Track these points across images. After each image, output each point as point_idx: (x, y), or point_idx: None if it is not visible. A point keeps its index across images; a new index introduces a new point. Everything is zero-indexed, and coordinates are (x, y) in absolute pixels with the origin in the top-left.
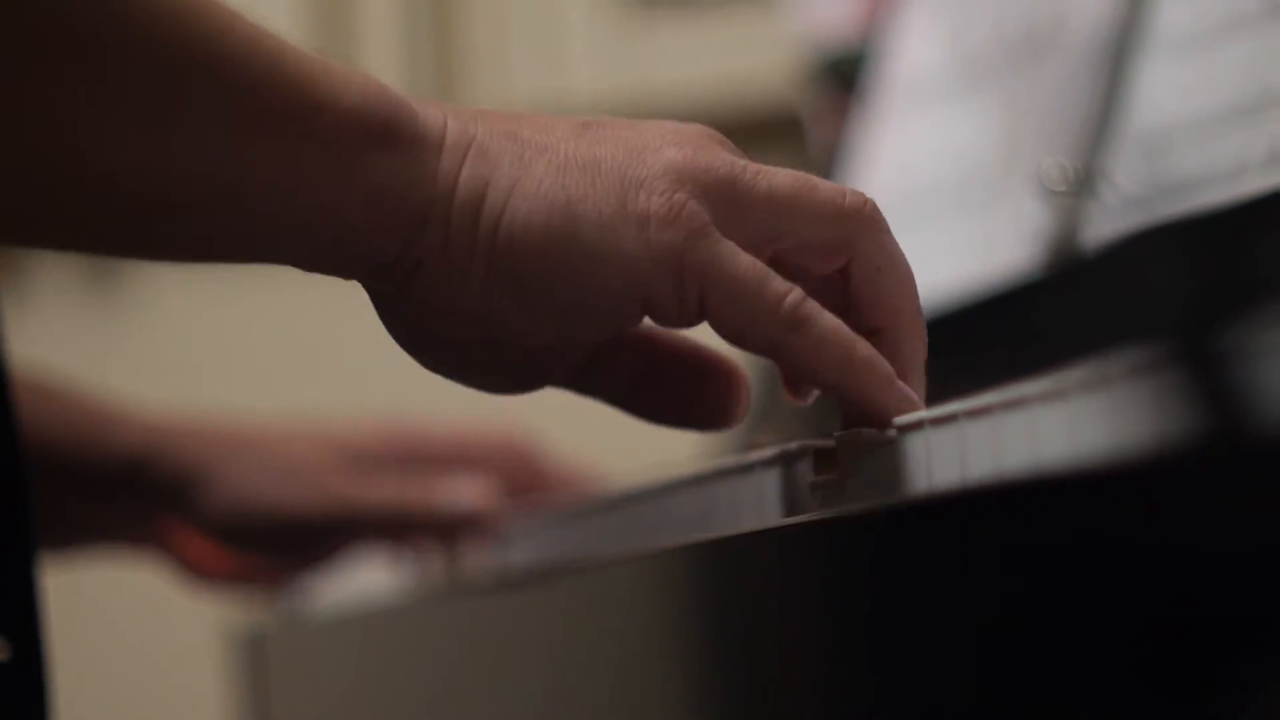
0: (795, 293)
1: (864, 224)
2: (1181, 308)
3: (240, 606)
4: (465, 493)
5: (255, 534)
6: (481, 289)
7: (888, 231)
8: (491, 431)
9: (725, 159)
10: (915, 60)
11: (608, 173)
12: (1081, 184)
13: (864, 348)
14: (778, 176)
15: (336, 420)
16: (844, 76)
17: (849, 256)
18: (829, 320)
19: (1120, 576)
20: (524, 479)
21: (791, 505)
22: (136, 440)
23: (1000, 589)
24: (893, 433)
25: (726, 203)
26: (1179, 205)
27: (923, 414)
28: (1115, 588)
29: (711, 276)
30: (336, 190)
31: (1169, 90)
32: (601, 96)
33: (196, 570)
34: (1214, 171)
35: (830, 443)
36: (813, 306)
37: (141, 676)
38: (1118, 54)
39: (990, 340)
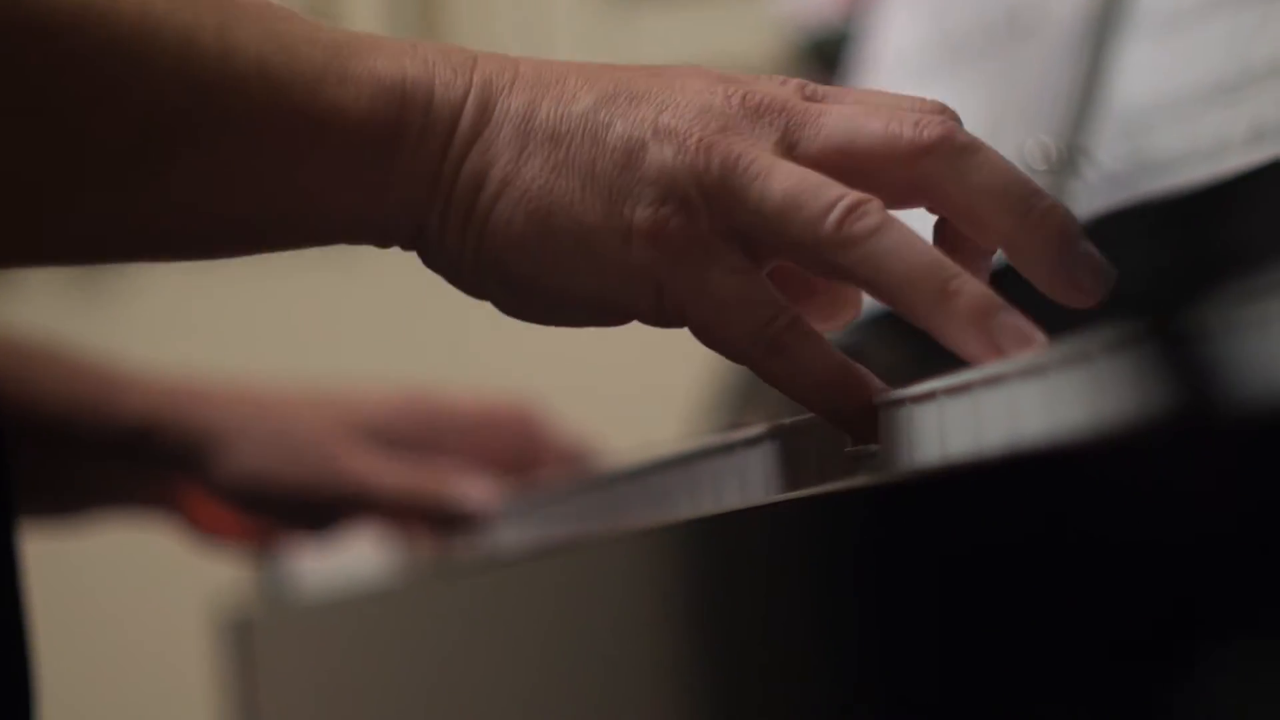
0: (781, 317)
1: (924, 169)
2: (1162, 284)
3: (245, 566)
4: (472, 492)
5: (267, 502)
6: (474, 275)
7: (958, 164)
8: (500, 402)
9: (735, 150)
10: (898, 40)
11: (601, 176)
12: (1064, 162)
13: (842, 374)
14: (775, 180)
15: (346, 388)
16: (827, 57)
17: (928, 201)
18: (811, 348)
19: (1099, 553)
20: (530, 449)
21: (813, 478)
22: (146, 404)
23: (999, 565)
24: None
25: (724, 208)
26: (1160, 183)
27: (904, 391)
28: (1094, 563)
29: (690, 297)
30: (341, 190)
31: (1150, 69)
32: None
33: (208, 531)
34: (1195, 149)
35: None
36: (796, 332)
37: (129, 660)
38: (1099, 32)
39: None
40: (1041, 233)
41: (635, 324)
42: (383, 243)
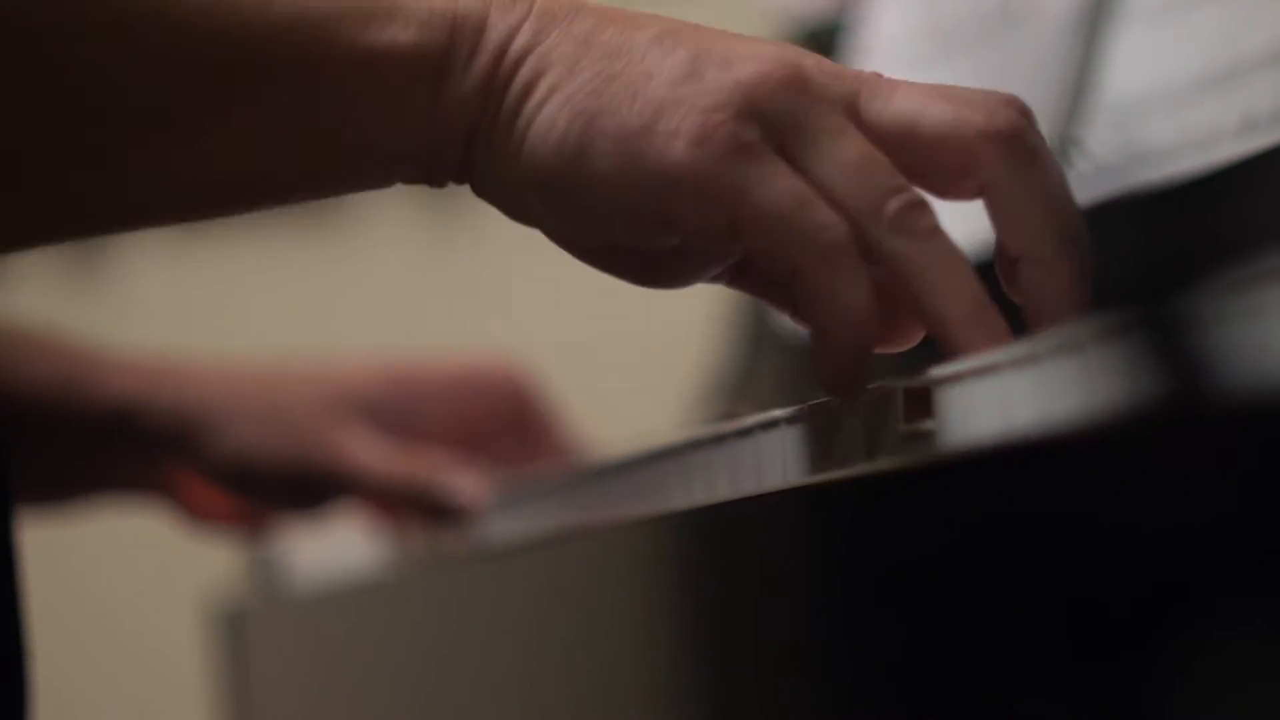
0: (834, 229)
1: (987, 158)
2: (1154, 274)
3: (236, 549)
4: (463, 485)
5: (258, 483)
6: (516, 188)
7: (1020, 164)
8: (486, 364)
9: (805, 96)
10: (890, 29)
11: (656, 88)
12: (1056, 152)
13: (871, 317)
14: (847, 142)
15: (334, 362)
16: (821, 46)
17: (979, 189)
18: (857, 279)
19: (1088, 542)
20: (517, 413)
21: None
22: (131, 385)
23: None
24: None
25: (785, 139)
26: (1152, 173)
27: (901, 381)
28: (1083, 553)
29: (740, 200)
30: (394, 126)
31: (1142, 59)
32: None
33: (198, 514)
34: (1187, 140)
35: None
36: (848, 253)
37: (121, 652)
38: (1091, 22)
39: None
40: (1058, 282)
41: (626, 314)
42: (437, 177)
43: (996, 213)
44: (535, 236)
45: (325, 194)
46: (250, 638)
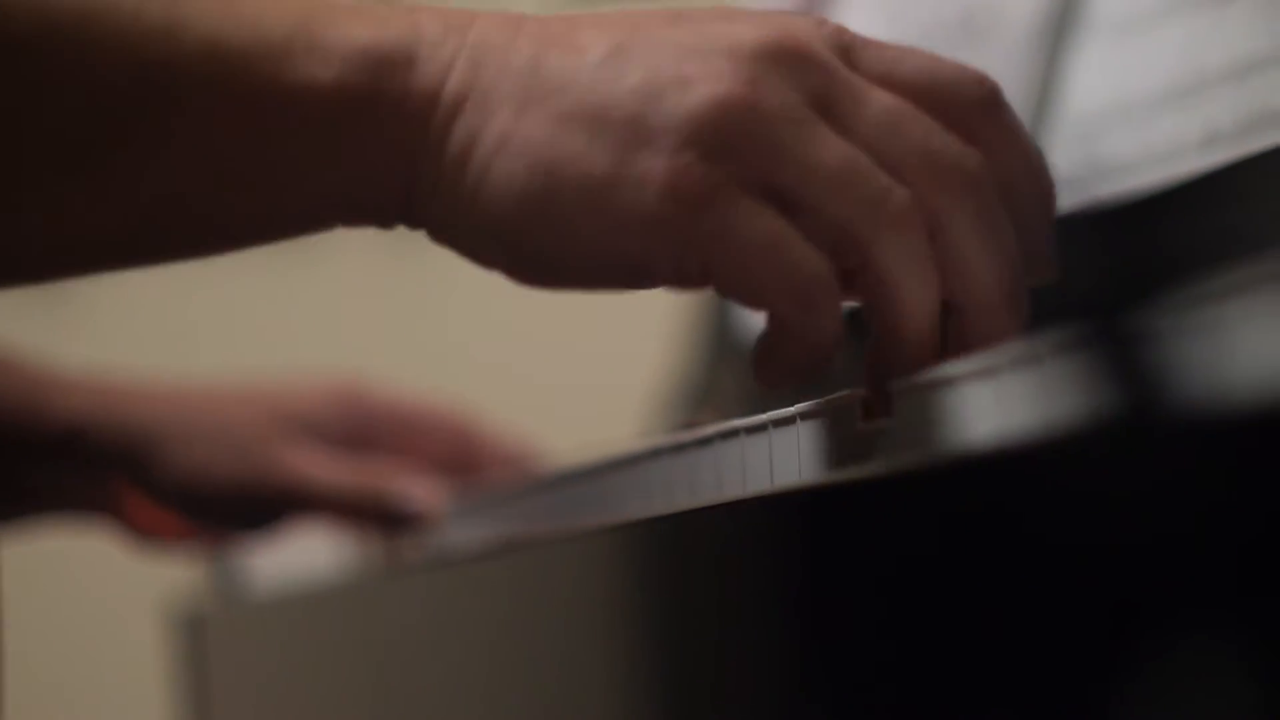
0: (810, 267)
1: (947, 196)
2: (1114, 288)
3: (187, 565)
4: (416, 492)
5: (207, 503)
6: (473, 242)
7: (982, 209)
8: (434, 407)
9: (772, 104)
10: None
11: (615, 125)
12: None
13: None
14: (826, 148)
15: (282, 382)
16: None
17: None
18: (837, 314)
19: (1044, 555)
20: (465, 455)
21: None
22: (78, 404)
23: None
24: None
25: (757, 162)
26: (1114, 187)
27: (861, 390)
28: (1039, 566)
29: (716, 250)
30: (319, 170)
31: (1104, 72)
32: None
33: (146, 533)
34: (1149, 154)
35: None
36: (828, 291)
37: (80, 656)
38: (1055, 36)
39: None
40: (1039, 218)
41: (588, 322)
42: (380, 221)
43: (1003, 172)
44: None
45: (249, 241)
46: (210, 642)
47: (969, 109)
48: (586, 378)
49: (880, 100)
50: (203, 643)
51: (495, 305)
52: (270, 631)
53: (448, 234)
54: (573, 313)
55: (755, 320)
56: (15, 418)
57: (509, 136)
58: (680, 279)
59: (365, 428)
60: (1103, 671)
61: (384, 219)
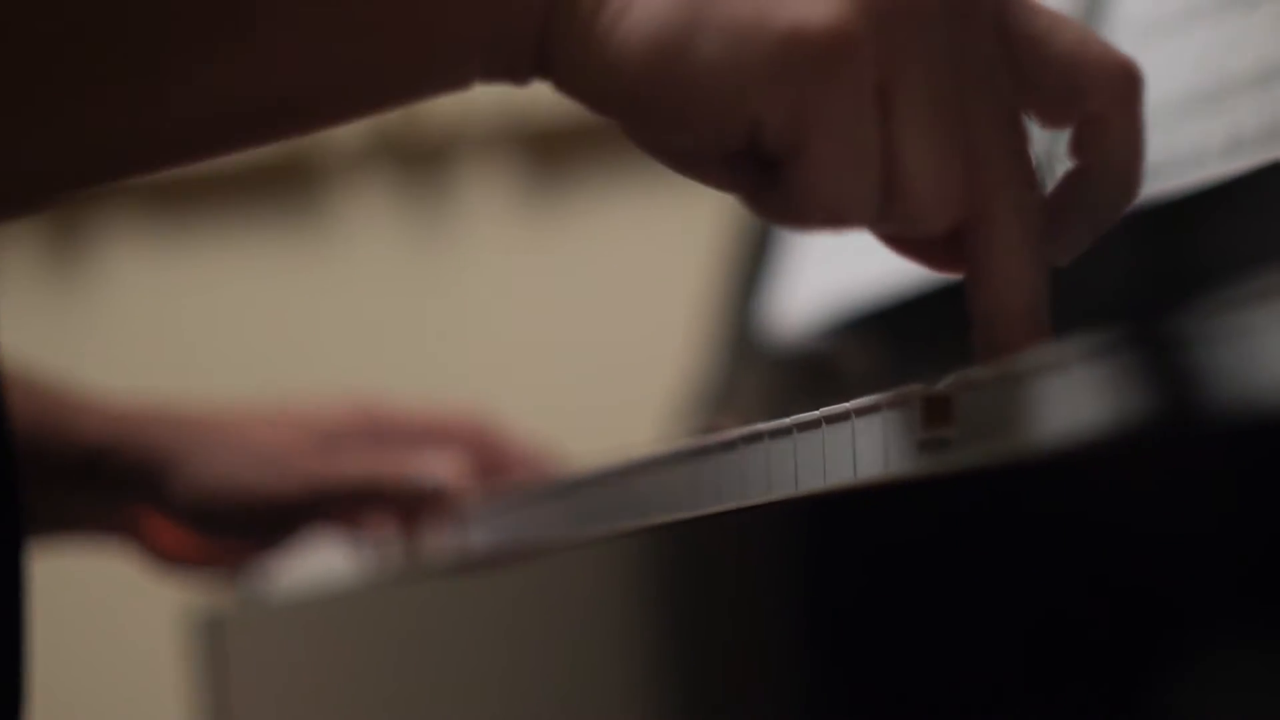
0: (927, 178)
1: (1108, 105)
2: (1139, 293)
3: (208, 589)
4: (437, 468)
5: (227, 518)
6: (598, 86)
7: (1135, 130)
8: (457, 412)
9: (937, 9)
10: None
11: None
12: (1041, 171)
13: None
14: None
15: (301, 400)
16: None
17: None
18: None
19: (1070, 559)
20: (488, 460)
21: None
22: (101, 428)
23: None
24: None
25: (901, 54)
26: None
27: (878, 397)
28: (1065, 570)
29: (814, 127)
30: (459, 11)
31: None
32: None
33: (166, 556)
34: (1173, 158)
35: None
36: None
37: (101, 659)
38: None
39: (948, 325)
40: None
41: (608, 324)
42: (513, 72)
43: (1097, 144)
44: (516, 241)
45: (390, 99)
46: (229, 645)
47: (1106, 88)
48: (607, 381)
49: (998, 91)
50: (222, 645)
51: (517, 309)
52: (290, 634)
53: (574, 79)
54: (594, 316)
55: (773, 324)
56: (38, 440)
57: None
58: (774, 146)
59: (387, 439)
60: (1147, 675)
61: (519, 67)
